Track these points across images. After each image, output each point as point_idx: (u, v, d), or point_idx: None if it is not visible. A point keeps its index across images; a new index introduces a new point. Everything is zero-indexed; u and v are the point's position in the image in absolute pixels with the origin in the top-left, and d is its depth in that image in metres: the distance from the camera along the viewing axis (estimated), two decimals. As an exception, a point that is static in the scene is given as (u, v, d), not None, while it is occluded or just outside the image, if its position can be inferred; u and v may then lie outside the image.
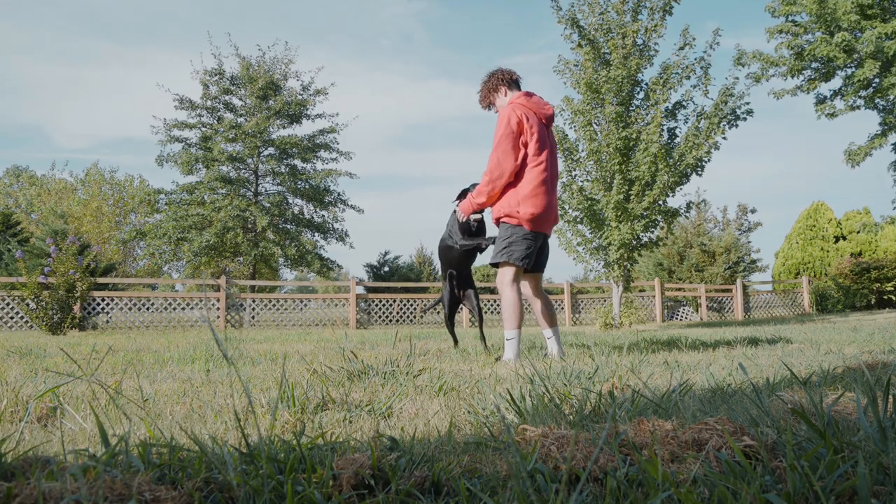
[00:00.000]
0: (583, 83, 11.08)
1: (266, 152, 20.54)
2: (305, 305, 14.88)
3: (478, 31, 78.70)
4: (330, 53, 71.87)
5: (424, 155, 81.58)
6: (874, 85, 15.68)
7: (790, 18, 16.28)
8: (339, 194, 21.19)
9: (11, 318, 11.90)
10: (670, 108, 11.34)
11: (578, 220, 11.41)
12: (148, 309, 13.31)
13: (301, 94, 20.77)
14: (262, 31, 72.81)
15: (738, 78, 11.19)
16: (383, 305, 14.78)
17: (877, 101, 16.12)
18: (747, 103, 11.01)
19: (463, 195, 4.40)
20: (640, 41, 11.32)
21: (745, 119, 11.00)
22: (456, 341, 4.97)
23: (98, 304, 12.43)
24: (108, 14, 67.75)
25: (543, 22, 77.90)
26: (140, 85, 69.61)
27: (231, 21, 58.37)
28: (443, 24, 77.59)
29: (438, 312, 16.20)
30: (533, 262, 3.89)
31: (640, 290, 17.90)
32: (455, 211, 4.32)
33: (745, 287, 18.12)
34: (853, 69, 15.60)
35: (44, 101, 72.34)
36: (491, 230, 4.27)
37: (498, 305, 16.23)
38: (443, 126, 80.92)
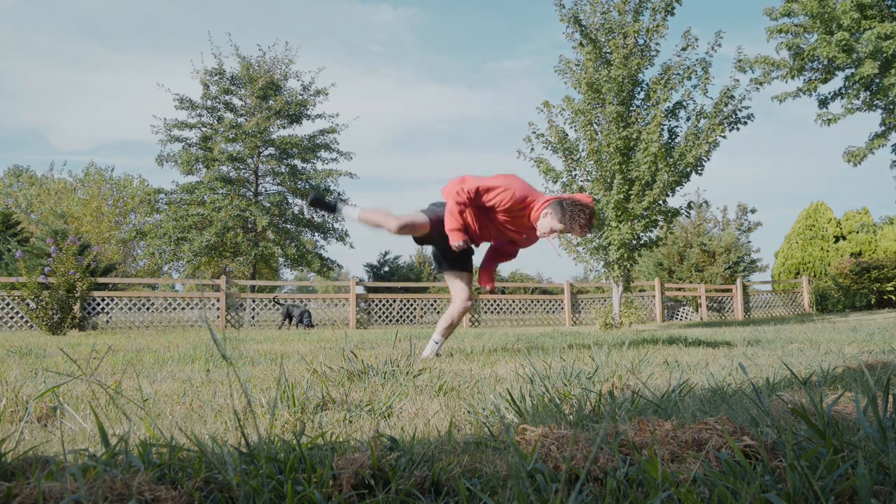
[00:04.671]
0: (584, 83, 11.08)
1: (266, 152, 20.54)
2: (305, 305, 14.89)
3: (466, 37, 79.30)
4: (323, 59, 72.16)
5: (419, 157, 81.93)
6: (874, 85, 15.68)
7: (790, 20, 16.27)
8: (339, 194, 21.19)
9: (11, 318, 11.90)
10: (671, 107, 11.34)
11: (578, 219, 11.40)
12: (148, 309, 13.31)
13: (301, 95, 20.77)
14: (255, 37, 73.06)
15: (738, 80, 11.18)
16: (383, 305, 14.77)
17: (876, 101, 16.11)
18: (748, 107, 11.01)
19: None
20: (641, 41, 11.33)
21: (745, 123, 11.00)
22: None
23: (98, 304, 12.43)
24: (105, 19, 67.87)
25: (531, 28, 78.44)
26: (136, 89, 69.82)
27: (224, 28, 58.93)
28: (431, 30, 78.17)
29: (439, 312, 16.18)
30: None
31: (640, 290, 17.89)
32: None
33: (745, 287, 18.12)
34: (853, 69, 15.60)
35: (42, 104, 72.45)
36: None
37: (498, 304, 16.23)
38: (435, 129, 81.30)
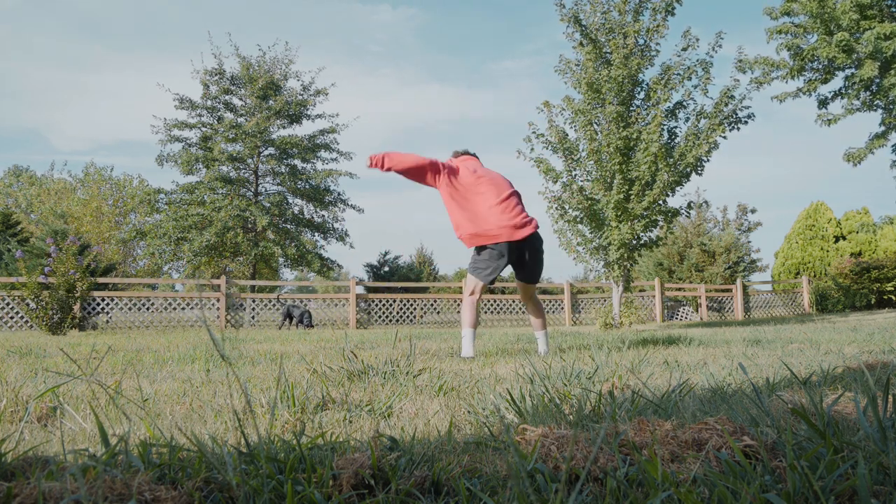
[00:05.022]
0: (584, 83, 11.08)
1: (266, 152, 20.54)
2: (305, 305, 14.89)
3: (466, 38, 79.40)
4: (323, 59, 72.23)
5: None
6: (875, 85, 15.68)
7: (790, 20, 16.28)
8: (339, 194, 21.18)
9: (11, 318, 11.90)
10: (671, 107, 11.34)
11: (578, 219, 11.42)
12: (148, 309, 13.31)
13: (301, 95, 20.76)
14: (255, 37, 73.15)
15: (738, 80, 11.18)
16: (383, 305, 14.77)
17: (876, 102, 16.11)
18: (748, 107, 11.02)
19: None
20: (641, 41, 11.33)
21: (745, 122, 11.00)
22: None
23: (98, 304, 12.43)
24: (105, 19, 67.90)
25: (531, 28, 78.49)
26: (136, 89, 69.87)
27: (224, 28, 59.19)
28: (431, 30, 78.25)
29: (439, 312, 16.19)
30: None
31: (640, 290, 17.89)
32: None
33: (745, 287, 18.12)
34: (853, 70, 15.60)
35: (42, 104, 72.49)
36: None
37: (498, 304, 16.23)
38: (435, 129, 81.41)
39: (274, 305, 14.39)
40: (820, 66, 16.29)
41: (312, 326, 13.18)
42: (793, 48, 16.08)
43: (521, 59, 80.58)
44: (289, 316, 13.33)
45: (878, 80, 15.57)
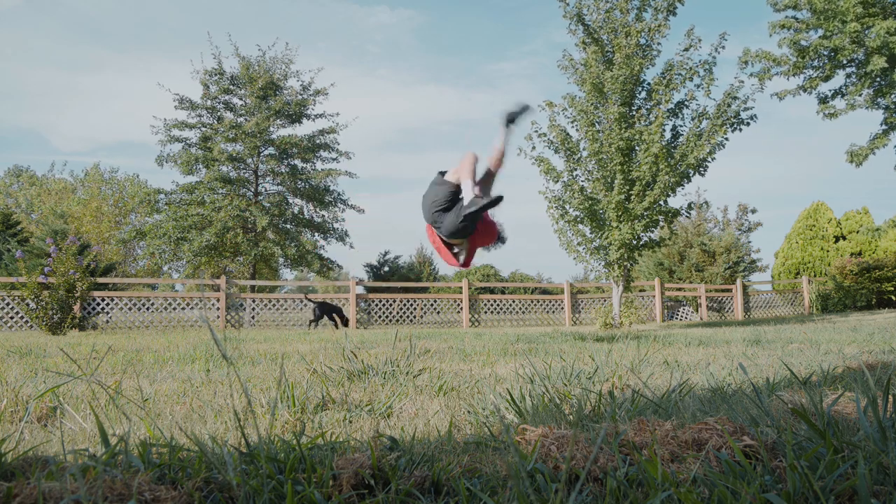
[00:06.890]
0: (588, 83, 11.08)
1: (266, 152, 20.53)
2: (306, 305, 14.89)
3: (464, 39, 79.31)
4: (322, 61, 72.11)
5: (419, 157, 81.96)
6: (878, 82, 15.69)
7: (792, 15, 16.30)
8: (338, 194, 21.18)
9: (11, 318, 11.89)
10: (672, 108, 11.34)
11: (579, 219, 11.42)
12: (148, 309, 13.30)
13: (301, 94, 20.77)
14: (253, 41, 73.20)
15: (742, 81, 11.19)
16: (383, 305, 14.77)
17: (878, 100, 16.12)
18: (751, 107, 11.02)
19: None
20: (643, 41, 11.33)
21: (747, 124, 10.99)
22: None
23: (98, 304, 12.43)
24: (103, 21, 67.88)
25: (528, 29, 78.49)
26: (136, 90, 69.68)
27: (222, 31, 58.91)
28: (429, 31, 78.19)
29: (439, 312, 16.18)
30: None
31: (640, 290, 17.89)
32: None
33: (745, 287, 18.12)
34: (857, 64, 15.63)
35: (41, 105, 72.41)
36: None
37: (498, 304, 16.23)
38: (435, 129, 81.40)
39: (300, 305, 14.43)
40: (821, 64, 16.32)
41: (346, 323, 13.36)
42: (795, 44, 16.10)
43: (517, 60, 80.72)
44: (319, 314, 13.28)
45: (879, 79, 15.57)
